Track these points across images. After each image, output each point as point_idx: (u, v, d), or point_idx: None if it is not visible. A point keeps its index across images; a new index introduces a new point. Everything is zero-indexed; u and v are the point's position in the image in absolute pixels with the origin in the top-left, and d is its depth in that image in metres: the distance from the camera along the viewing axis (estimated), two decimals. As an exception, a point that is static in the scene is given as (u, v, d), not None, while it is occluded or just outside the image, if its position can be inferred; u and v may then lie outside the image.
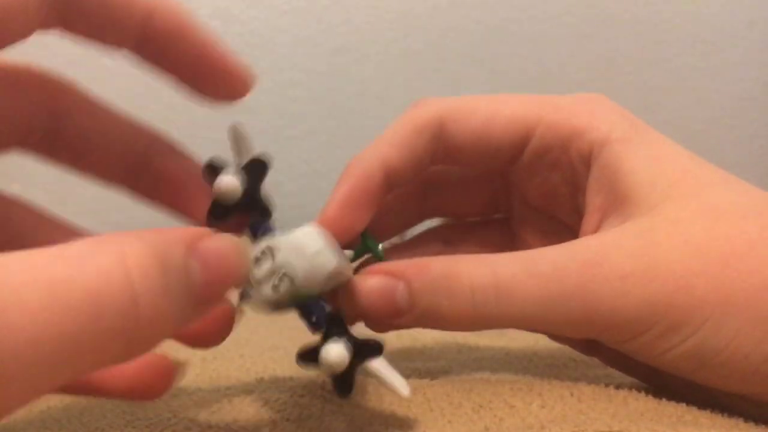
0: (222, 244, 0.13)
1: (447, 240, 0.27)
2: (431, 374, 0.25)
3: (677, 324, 0.18)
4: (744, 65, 0.84)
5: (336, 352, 0.17)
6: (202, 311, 0.13)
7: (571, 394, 0.21)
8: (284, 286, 0.18)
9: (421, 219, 0.27)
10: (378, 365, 0.18)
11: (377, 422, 0.20)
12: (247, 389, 0.22)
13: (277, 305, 0.18)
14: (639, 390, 0.21)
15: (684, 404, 0.20)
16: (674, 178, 0.20)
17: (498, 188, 0.26)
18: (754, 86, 0.85)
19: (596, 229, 0.21)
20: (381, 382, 0.18)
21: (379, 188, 0.22)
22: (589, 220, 0.22)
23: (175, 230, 0.13)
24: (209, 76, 0.19)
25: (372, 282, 0.19)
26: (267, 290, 0.18)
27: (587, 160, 0.22)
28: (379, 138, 0.23)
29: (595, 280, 0.18)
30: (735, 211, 0.19)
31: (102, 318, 0.10)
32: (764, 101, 0.85)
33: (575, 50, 0.82)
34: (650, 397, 0.21)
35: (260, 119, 0.79)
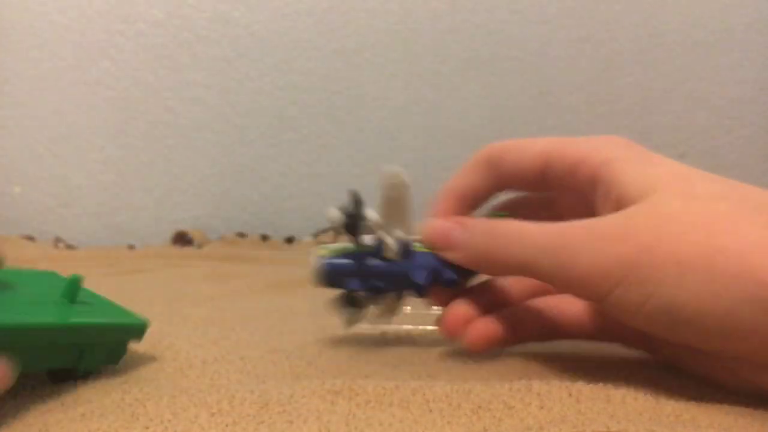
0: None
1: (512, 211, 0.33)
2: (431, 376, 0.25)
3: (641, 280, 0.21)
4: (742, 68, 0.84)
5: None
6: None
7: (570, 395, 0.21)
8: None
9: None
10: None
11: (376, 422, 0.20)
12: (247, 391, 0.22)
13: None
14: (637, 390, 0.22)
15: (682, 403, 0.20)
16: (663, 179, 0.23)
17: (541, 207, 0.32)
18: (752, 88, 0.85)
19: None
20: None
21: (455, 208, 0.30)
22: None
23: None
24: None
25: (436, 223, 0.28)
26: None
27: (592, 181, 0.25)
28: (457, 171, 0.31)
29: (576, 239, 0.23)
30: (710, 196, 0.22)
31: None
32: (762, 103, 0.85)
33: (574, 53, 0.83)
34: (649, 396, 0.21)
35: (260, 122, 0.80)
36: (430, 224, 0.28)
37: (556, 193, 0.30)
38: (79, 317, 0.24)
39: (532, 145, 0.28)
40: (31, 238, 0.73)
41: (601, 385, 0.22)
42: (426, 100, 0.81)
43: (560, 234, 0.23)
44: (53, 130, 0.78)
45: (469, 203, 0.30)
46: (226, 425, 0.19)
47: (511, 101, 0.82)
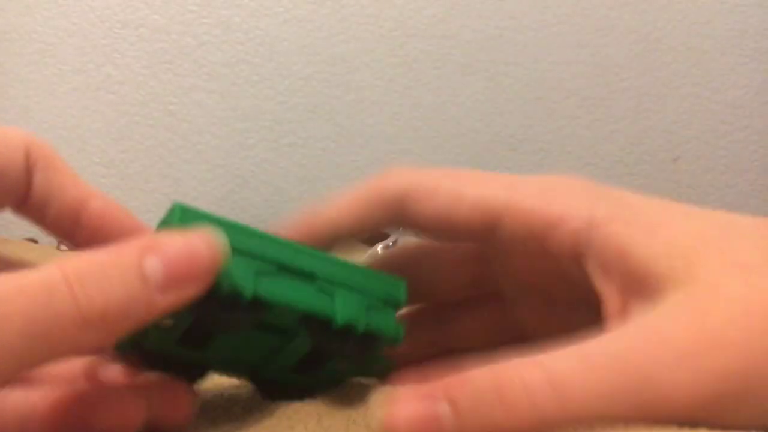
0: (186, 237, 0.16)
1: (439, 319, 0.25)
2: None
3: (751, 391, 0.17)
4: (736, 73, 0.85)
5: None
6: (177, 296, 0.16)
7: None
8: None
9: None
10: None
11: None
12: (248, 392, 0.22)
13: None
14: None
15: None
16: (684, 243, 0.19)
17: (479, 266, 0.25)
18: (747, 94, 0.85)
19: (622, 313, 0.20)
20: None
21: (323, 241, 0.22)
22: (611, 306, 0.20)
23: (130, 242, 0.16)
24: None
25: (409, 409, 0.17)
26: None
27: (572, 251, 0.20)
28: (337, 199, 0.22)
29: (658, 363, 0.17)
30: (760, 263, 0.19)
31: (51, 306, 0.14)
32: (756, 108, 0.86)
33: (570, 58, 0.83)
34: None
35: (261, 126, 0.80)
36: (402, 413, 0.17)
37: (497, 255, 0.23)
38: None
39: (462, 190, 0.22)
40: (34, 241, 0.74)
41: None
42: (424, 105, 0.82)
43: (622, 366, 0.17)
44: (55, 133, 0.78)
45: (335, 239, 0.23)
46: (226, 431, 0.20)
47: (507, 106, 0.83)
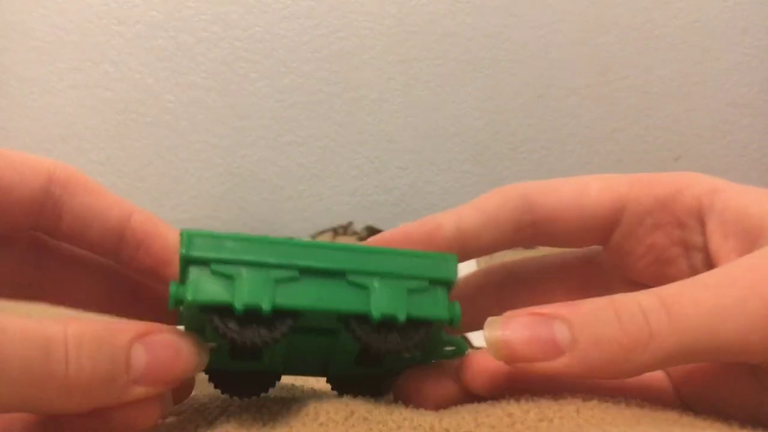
0: (173, 337, 0.17)
1: (525, 285, 0.25)
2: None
3: None
4: (737, 72, 0.85)
5: None
6: (147, 391, 0.17)
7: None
8: None
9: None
10: None
11: (376, 427, 0.20)
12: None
13: None
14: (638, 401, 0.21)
15: (681, 409, 0.20)
16: None
17: (590, 274, 0.25)
18: (748, 92, 0.85)
19: None
20: None
21: (447, 241, 0.22)
22: (729, 261, 0.20)
23: (130, 322, 0.17)
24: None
25: (525, 329, 0.17)
26: None
27: (697, 213, 0.21)
28: (458, 208, 0.22)
29: (762, 282, 0.17)
30: None
31: (46, 363, 0.15)
32: (757, 107, 0.86)
33: (571, 56, 0.83)
34: (646, 404, 0.21)
35: (259, 124, 0.80)
36: (510, 325, 0.17)
37: (620, 243, 0.23)
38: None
39: (588, 182, 0.22)
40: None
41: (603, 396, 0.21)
42: (424, 102, 0.82)
43: (734, 281, 0.17)
44: (52, 131, 0.78)
45: (467, 242, 0.22)
46: (226, 431, 0.20)
47: (509, 104, 0.83)
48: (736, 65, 0.85)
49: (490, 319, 0.18)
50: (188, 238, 0.18)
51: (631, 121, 0.84)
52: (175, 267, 0.19)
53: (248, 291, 0.17)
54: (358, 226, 0.79)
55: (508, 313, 0.18)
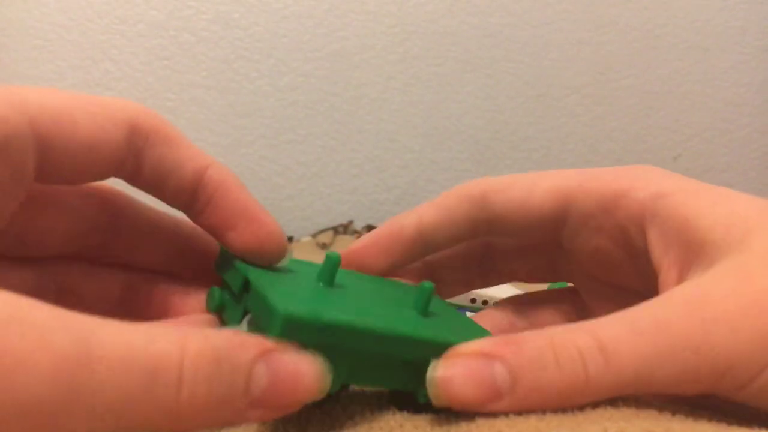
0: (298, 360, 0.15)
1: (518, 311, 0.26)
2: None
3: None
4: (737, 71, 0.85)
5: None
6: (263, 415, 0.15)
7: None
8: None
9: (485, 282, 0.27)
10: None
11: (376, 428, 0.20)
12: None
13: None
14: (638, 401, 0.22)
15: (677, 405, 0.20)
16: (745, 214, 0.19)
17: (556, 257, 0.26)
18: (747, 91, 0.85)
19: (679, 283, 0.20)
20: None
21: (409, 240, 0.23)
22: (668, 277, 0.20)
23: (251, 337, 0.15)
24: (247, 232, 0.20)
25: (465, 368, 0.17)
26: None
27: (638, 219, 0.21)
28: (422, 205, 0.24)
29: (702, 325, 0.17)
30: None
31: (151, 391, 0.13)
32: (757, 106, 0.86)
33: (570, 55, 0.83)
34: (642, 402, 0.21)
35: (259, 123, 0.80)
36: (451, 368, 0.17)
37: (570, 243, 0.24)
38: (438, 332, 0.19)
39: (537, 181, 0.23)
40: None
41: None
42: (424, 101, 0.82)
43: (668, 329, 0.17)
44: (53, 130, 0.78)
45: (419, 250, 0.23)
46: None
47: (508, 103, 0.83)
48: (735, 65, 0.85)
49: (434, 361, 0.17)
50: (284, 323, 0.16)
51: (630, 120, 0.84)
52: (239, 234, 0.20)
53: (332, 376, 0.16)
54: (359, 224, 0.79)
55: (451, 352, 0.18)
